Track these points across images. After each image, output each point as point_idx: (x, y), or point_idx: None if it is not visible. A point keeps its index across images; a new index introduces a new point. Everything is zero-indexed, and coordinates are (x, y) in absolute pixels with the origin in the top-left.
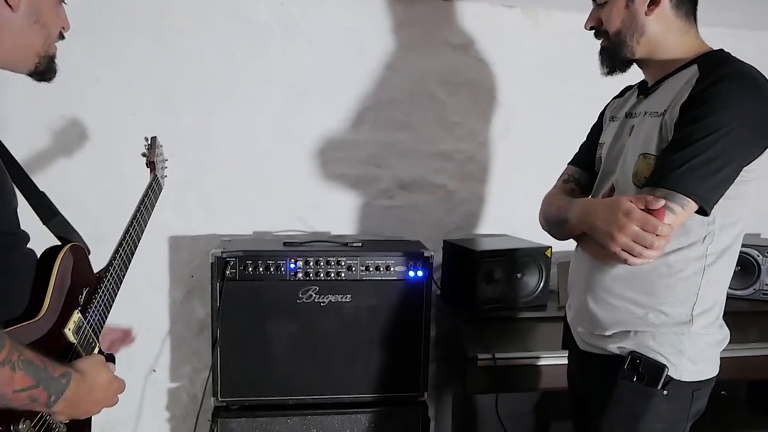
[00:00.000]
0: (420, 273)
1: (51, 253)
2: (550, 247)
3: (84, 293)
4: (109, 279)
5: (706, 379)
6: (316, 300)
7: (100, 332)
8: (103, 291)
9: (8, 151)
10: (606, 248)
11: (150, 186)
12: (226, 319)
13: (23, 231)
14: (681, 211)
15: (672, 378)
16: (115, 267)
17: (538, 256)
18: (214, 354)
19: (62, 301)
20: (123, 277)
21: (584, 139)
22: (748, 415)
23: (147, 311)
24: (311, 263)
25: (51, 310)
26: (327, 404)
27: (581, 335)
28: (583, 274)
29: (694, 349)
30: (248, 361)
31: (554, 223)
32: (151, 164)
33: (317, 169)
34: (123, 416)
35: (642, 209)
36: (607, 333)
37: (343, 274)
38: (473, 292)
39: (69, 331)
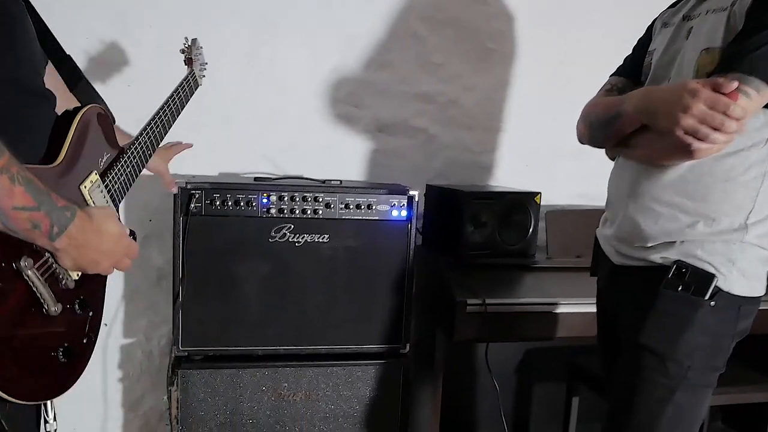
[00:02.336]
0: (404, 213)
1: (72, 111)
2: (540, 193)
3: (105, 158)
4: (133, 153)
5: (754, 297)
6: (290, 239)
7: (119, 202)
8: (125, 162)
9: (38, 15)
10: (669, 134)
11: (186, 78)
12: (189, 259)
13: (48, 90)
14: (756, 95)
15: (720, 289)
16: (140, 143)
17: (527, 201)
18: (175, 297)
19: (80, 157)
20: (148, 159)
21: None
22: None
23: None
24: (286, 198)
25: (68, 160)
26: (300, 356)
27: (619, 248)
28: (627, 184)
29: (745, 261)
30: (213, 307)
31: (602, 122)
32: (188, 60)
33: (288, 106)
34: None
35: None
36: (651, 244)
37: (320, 212)
38: (459, 236)
39: (85, 189)
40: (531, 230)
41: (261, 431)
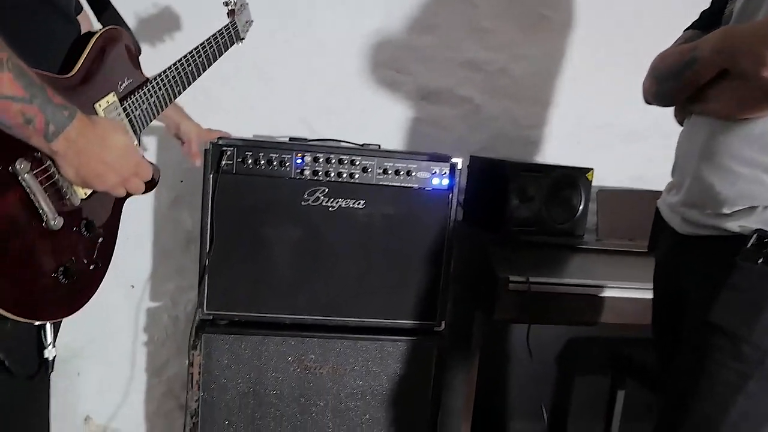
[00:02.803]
0: (445, 182)
1: (94, 32)
2: (592, 169)
3: (125, 83)
4: (158, 84)
5: None
6: (324, 203)
7: (138, 132)
8: (148, 92)
9: None
10: (754, 78)
11: (226, 27)
12: (218, 219)
13: (77, 22)
14: None
15: None
16: (168, 77)
17: (578, 177)
18: (202, 257)
19: (97, 74)
20: (175, 95)
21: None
22: None
23: (127, 216)
24: (321, 160)
25: (83, 73)
26: (328, 327)
27: (687, 216)
28: (700, 143)
29: None
30: (241, 271)
31: (674, 72)
32: (231, 12)
33: (326, 69)
34: (94, 336)
35: None
36: (727, 210)
37: (357, 176)
38: (504, 210)
39: (100, 108)
40: (581, 209)
41: (285, 403)
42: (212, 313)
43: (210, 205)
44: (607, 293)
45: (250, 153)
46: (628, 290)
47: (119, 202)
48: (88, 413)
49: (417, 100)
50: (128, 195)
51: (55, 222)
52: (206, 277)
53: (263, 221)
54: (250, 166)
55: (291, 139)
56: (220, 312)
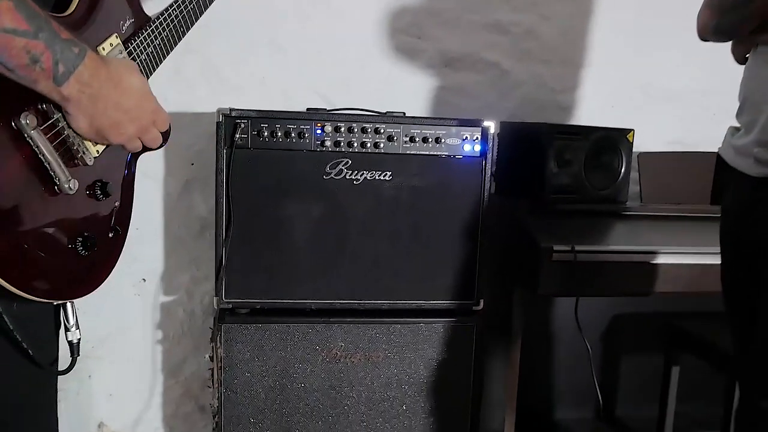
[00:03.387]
0: (477, 148)
1: None
2: (633, 130)
3: (127, 22)
4: (162, 24)
5: None
6: (347, 176)
7: (148, 76)
8: (153, 32)
9: None
10: None
11: None
12: (233, 198)
13: None
14: None
15: None
16: (172, 15)
17: (618, 139)
18: (218, 242)
19: (97, 12)
20: (181, 36)
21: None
22: None
23: (136, 205)
24: (342, 129)
25: (81, 12)
26: (357, 311)
27: (761, 156)
28: None
29: None
30: (261, 254)
31: (740, 1)
32: None
33: (342, 37)
34: (104, 334)
35: None
36: None
37: (382, 146)
38: (541, 177)
39: (103, 51)
40: (623, 172)
41: (315, 397)
42: (232, 302)
43: (225, 185)
44: (661, 260)
45: (266, 125)
46: (683, 255)
47: (133, 159)
48: (101, 419)
49: (440, 68)
50: (144, 150)
51: (70, 185)
52: (223, 262)
53: (282, 200)
54: (266, 140)
55: (308, 109)
56: (240, 299)
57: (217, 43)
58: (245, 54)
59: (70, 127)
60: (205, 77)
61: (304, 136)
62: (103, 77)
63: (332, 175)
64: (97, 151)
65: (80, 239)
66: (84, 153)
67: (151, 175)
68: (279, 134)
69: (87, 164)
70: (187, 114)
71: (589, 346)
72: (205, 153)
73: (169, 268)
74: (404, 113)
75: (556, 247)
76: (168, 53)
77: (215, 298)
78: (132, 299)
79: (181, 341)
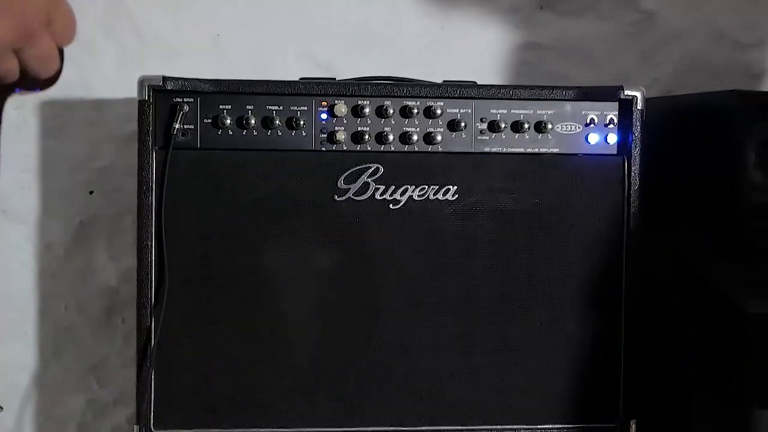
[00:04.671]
0: (611, 138)
1: None
2: None
3: None
4: None
5: None
6: (377, 197)
7: None
8: None
9: None
10: None
11: None
12: (170, 247)
13: None
14: None
15: None
16: None
17: None
18: (141, 332)
19: None
20: None
21: None
22: None
23: None
24: (367, 111)
25: None
26: None
27: None
28: None
29: None
30: (220, 349)
31: None
32: None
33: None
34: None
35: None
36: None
37: (438, 139)
38: (732, 188)
39: None
40: None
41: None
42: None
43: (153, 224)
44: None
45: (229, 106)
46: None
47: None
48: None
49: (533, 10)
50: (20, 83)
51: None
52: (151, 372)
53: (259, 244)
54: (230, 133)
55: (303, 79)
56: (181, 431)
57: None
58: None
59: None
60: (114, 39)
61: (297, 125)
62: None
63: (350, 195)
64: None
65: None
66: None
67: (15, 213)
68: (252, 122)
69: None
70: (81, 103)
71: None
72: (113, 172)
73: (46, 387)
74: (475, 83)
75: None
76: None
77: (136, 428)
78: None
79: None
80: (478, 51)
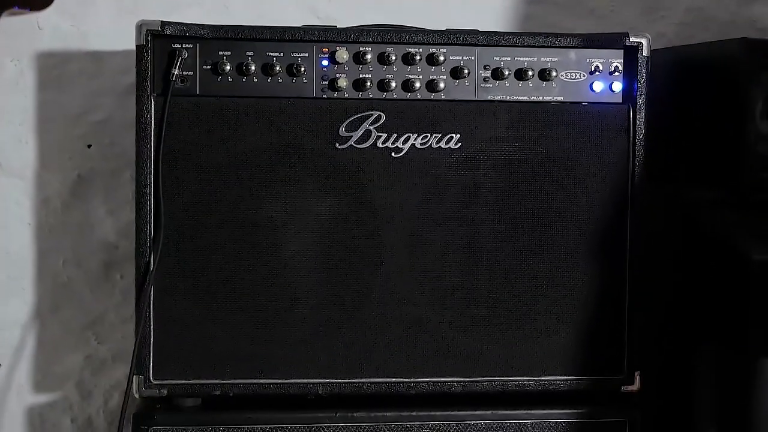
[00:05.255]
0: (616, 87)
1: None
2: None
3: None
4: None
5: None
6: (379, 145)
7: None
8: None
9: None
10: None
11: None
12: (171, 202)
13: None
14: None
15: None
16: None
17: None
18: (141, 291)
19: None
20: None
21: None
22: None
23: None
24: (369, 58)
25: None
26: (405, 397)
27: None
28: None
29: None
30: (219, 298)
31: None
32: None
33: None
34: None
35: None
36: None
37: (441, 86)
38: (737, 141)
39: None
40: None
41: None
42: (167, 385)
43: (152, 174)
44: None
45: (228, 53)
46: None
47: None
48: None
49: None
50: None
51: None
52: (151, 324)
53: (259, 192)
54: (230, 80)
55: (303, 26)
56: (183, 382)
57: None
58: None
59: None
60: None
61: (298, 72)
62: None
63: (351, 143)
64: None
65: None
66: None
67: (11, 167)
68: (252, 68)
69: None
70: (78, 55)
71: None
72: (112, 125)
73: (44, 343)
74: (478, 30)
75: None
76: None
77: (136, 379)
78: None
79: None
80: (481, 5)
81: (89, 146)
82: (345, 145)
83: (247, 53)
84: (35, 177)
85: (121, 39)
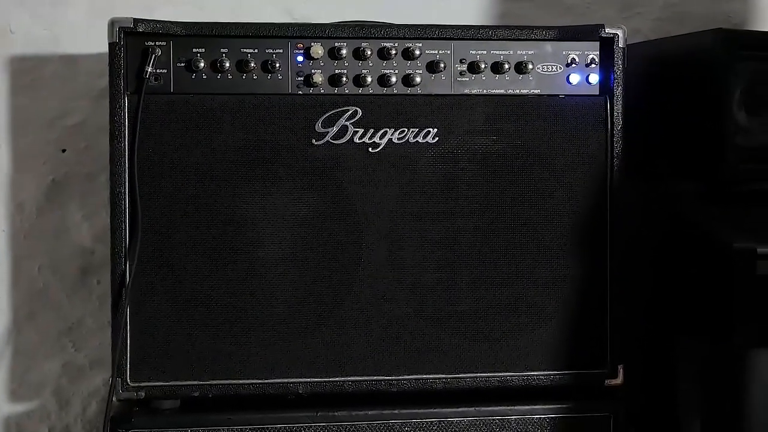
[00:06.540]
0: (593, 78)
1: None
2: None
3: None
4: None
5: None
6: (356, 140)
7: None
8: None
9: None
10: None
11: None
12: (148, 201)
13: None
14: None
15: None
16: None
17: None
18: (115, 283)
19: None
20: None
21: None
22: None
23: None
24: (344, 53)
25: None
26: (386, 395)
27: None
28: None
29: None
30: (198, 298)
31: None
32: None
33: None
34: None
35: None
36: None
37: (418, 81)
38: (716, 133)
39: None
40: None
41: None
42: (145, 387)
43: (126, 174)
44: None
45: (202, 50)
46: None
47: None
48: None
49: None
50: None
51: None
52: (128, 327)
53: (234, 192)
54: (205, 76)
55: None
56: (161, 383)
57: None
58: None
59: None
60: None
61: (273, 68)
62: None
63: (327, 139)
64: None
65: None
66: None
67: None
68: (227, 65)
69: None
70: (51, 58)
71: None
72: (87, 128)
73: (20, 351)
74: (453, 25)
75: (761, 250)
76: None
77: (116, 380)
78: None
79: None
80: (458, 3)
81: (64, 150)
82: (321, 141)
83: (222, 50)
84: (9, 182)
85: (94, 42)
